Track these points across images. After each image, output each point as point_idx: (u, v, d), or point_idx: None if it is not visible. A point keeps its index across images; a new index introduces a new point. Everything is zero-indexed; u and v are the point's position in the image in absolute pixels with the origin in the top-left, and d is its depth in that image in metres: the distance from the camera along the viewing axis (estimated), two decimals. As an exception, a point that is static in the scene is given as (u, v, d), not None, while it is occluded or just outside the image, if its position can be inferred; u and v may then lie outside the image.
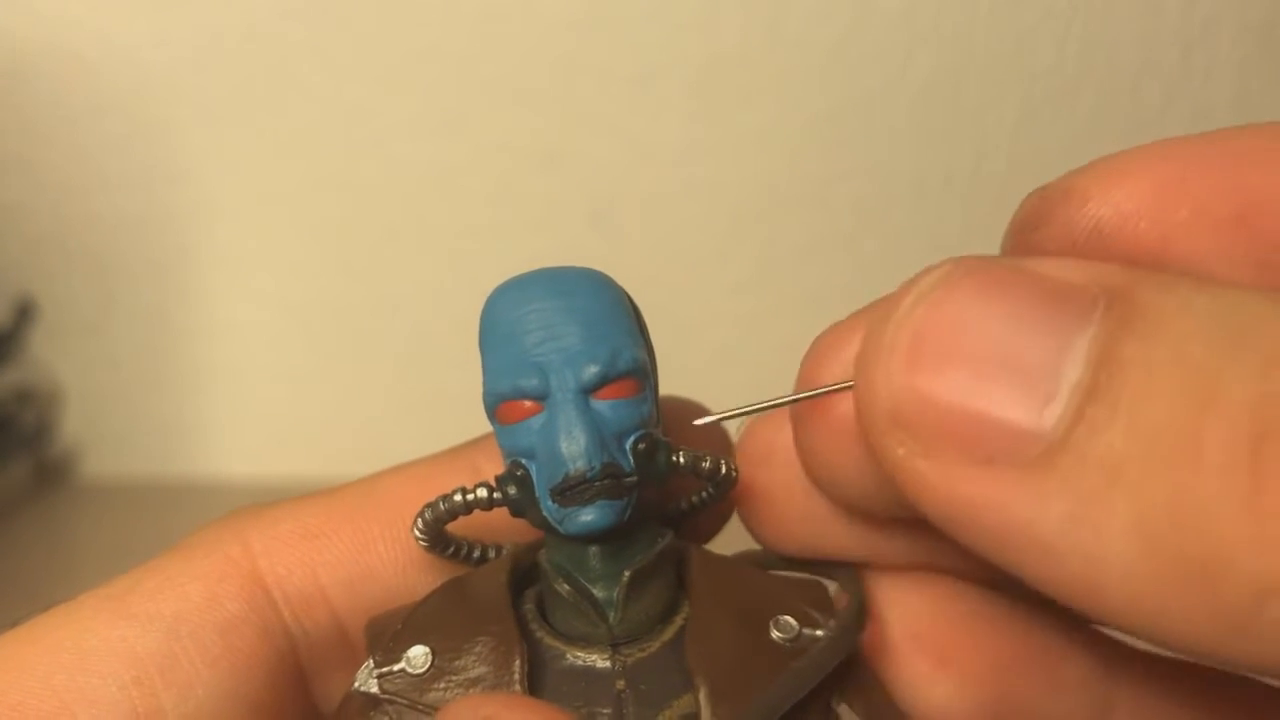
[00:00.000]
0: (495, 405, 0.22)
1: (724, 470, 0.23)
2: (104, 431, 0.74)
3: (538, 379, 0.21)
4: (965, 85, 0.68)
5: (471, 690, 0.20)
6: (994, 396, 0.16)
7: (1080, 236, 0.18)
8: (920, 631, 0.22)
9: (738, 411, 0.22)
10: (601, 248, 0.70)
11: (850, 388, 0.19)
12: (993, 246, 0.66)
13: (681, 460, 0.22)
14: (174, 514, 0.70)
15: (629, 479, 0.21)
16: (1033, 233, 0.19)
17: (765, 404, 0.22)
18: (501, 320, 0.22)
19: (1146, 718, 0.22)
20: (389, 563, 0.23)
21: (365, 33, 0.68)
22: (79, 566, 0.65)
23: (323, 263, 0.72)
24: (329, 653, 0.23)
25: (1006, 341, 0.16)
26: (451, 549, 0.23)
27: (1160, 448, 0.14)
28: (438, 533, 0.23)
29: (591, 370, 0.21)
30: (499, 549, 0.24)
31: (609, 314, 0.22)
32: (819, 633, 0.21)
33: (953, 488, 0.16)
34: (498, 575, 0.22)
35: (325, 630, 0.23)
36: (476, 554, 0.24)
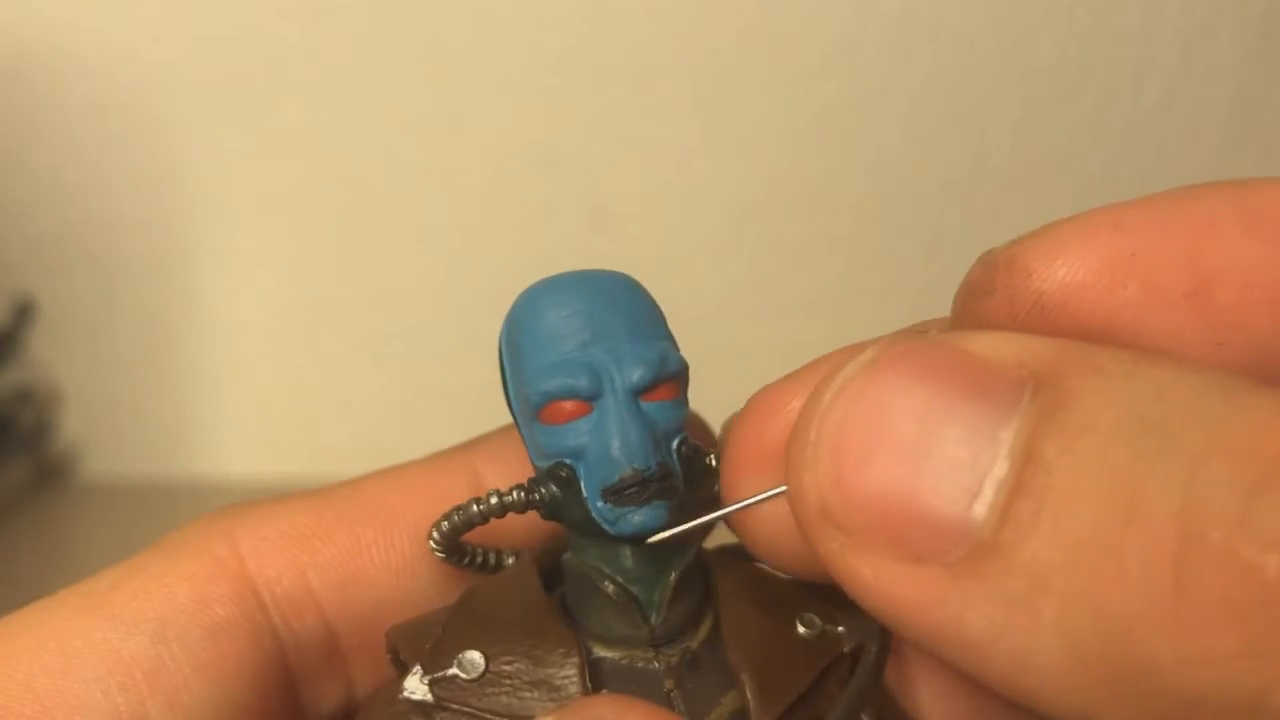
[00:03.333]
0: (541, 405, 0.21)
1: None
2: (104, 431, 0.74)
3: (588, 379, 0.21)
4: (966, 84, 0.69)
5: (535, 694, 0.20)
6: (919, 494, 0.16)
7: (1023, 310, 0.17)
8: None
9: (679, 530, 0.22)
10: (601, 246, 0.70)
11: (784, 493, 0.19)
12: (991, 245, 0.66)
13: (714, 463, 0.22)
14: (174, 514, 0.69)
15: (678, 481, 0.21)
16: (978, 300, 0.18)
17: (703, 520, 0.22)
18: (543, 321, 0.22)
19: None
20: (382, 567, 0.22)
21: (364, 33, 0.68)
22: (79, 566, 0.65)
23: (322, 262, 0.72)
24: (318, 658, 0.22)
25: (930, 434, 0.16)
26: (467, 558, 0.23)
27: (1084, 558, 0.14)
28: (454, 542, 0.23)
29: (643, 372, 0.21)
30: (513, 555, 0.24)
31: (651, 316, 0.22)
32: (840, 629, 0.21)
33: (884, 585, 0.16)
34: (529, 580, 0.22)
35: (315, 635, 0.22)
36: (492, 561, 0.24)
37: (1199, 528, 0.13)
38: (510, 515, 0.22)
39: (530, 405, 0.22)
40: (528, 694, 0.20)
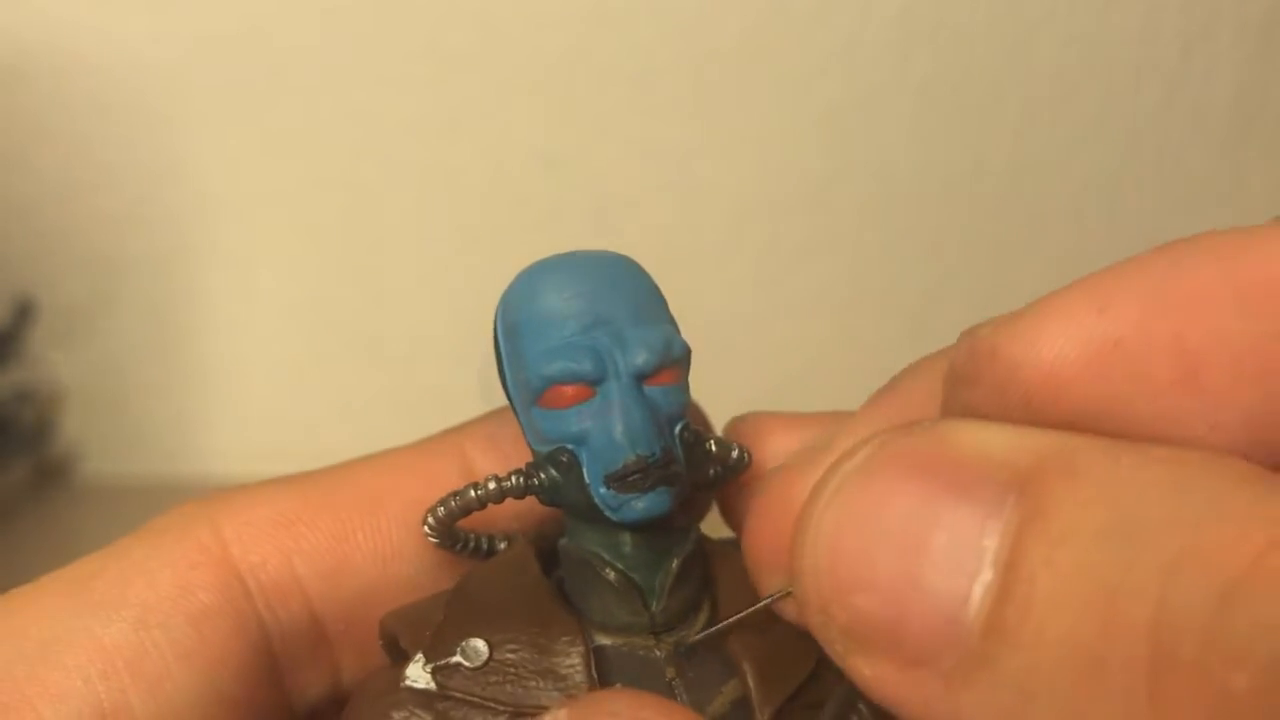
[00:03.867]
0: (542, 389, 0.21)
1: (744, 458, 0.23)
2: (104, 431, 0.75)
3: (591, 363, 0.21)
4: (966, 84, 0.69)
5: (540, 682, 0.20)
6: (912, 601, 0.16)
7: (1012, 401, 0.17)
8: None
9: (715, 629, 0.22)
10: (602, 246, 0.70)
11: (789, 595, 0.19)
12: (992, 245, 0.66)
13: (714, 449, 0.22)
14: (174, 514, 0.71)
15: (681, 466, 0.21)
16: (967, 390, 0.18)
17: (727, 622, 0.21)
18: (543, 303, 0.22)
19: None
20: (368, 553, 0.22)
21: (366, 32, 0.69)
22: None
23: (323, 262, 0.72)
24: (303, 646, 0.22)
25: (920, 541, 0.16)
26: (461, 544, 0.23)
27: (1067, 670, 0.14)
28: (449, 528, 0.22)
29: (648, 356, 0.21)
30: (505, 540, 0.24)
31: (653, 299, 0.22)
32: None
33: (884, 686, 0.16)
34: (529, 565, 0.22)
35: (300, 622, 0.22)
36: (485, 546, 0.23)
37: (1171, 641, 0.13)
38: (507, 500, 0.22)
39: (530, 389, 0.21)
40: (533, 683, 0.20)
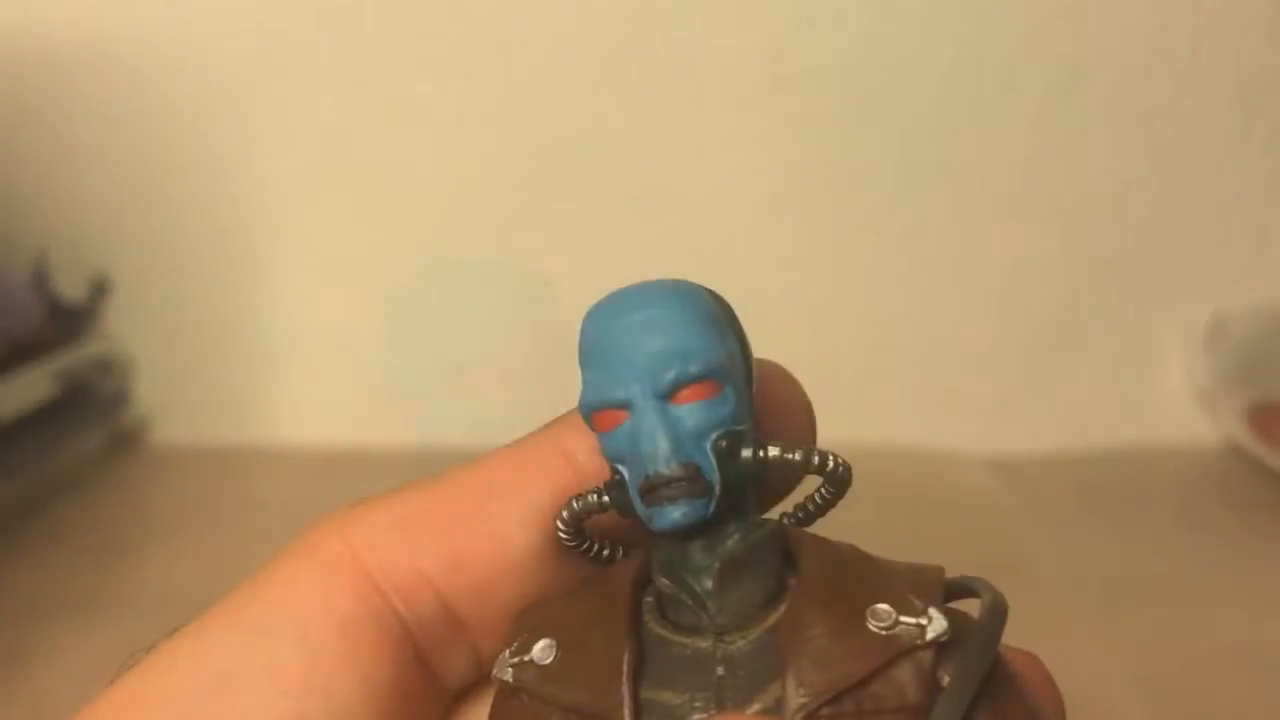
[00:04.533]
0: (589, 415, 0.22)
1: (829, 465, 0.22)
2: (175, 400, 0.76)
3: (622, 389, 0.22)
4: (985, 76, 0.70)
5: (582, 684, 0.21)
6: None
7: None
8: None
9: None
10: (640, 231, 0.72)
11: None
12: (1009, 229, 0.67)
13: (768, 454, 0.22)
14: (241, 478, 0.72)
15: (708, 478, 0.21)
16: None
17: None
18: (593, 336, 0.22)
19: None
20: (483, 545, 0.23)
21: (418, 24, 0.71)
22: (152, 527, 0.67)
23: (381, 240, 0.74)
24: (440, 633, 0.23)
25: None
26: (585, 544, 0.23)
27: None
28: (577, 528, 0.23)
29: (667, 376, 0.21)
30: (629, 550, 0.24)
31: (688, 321, 0.22)
32: (918, 621, 0.20)
33: None
34: (627, 572, 0.22)
35: (433, 613, 0.23)
36: (606, 553, 0.24)
37: None
38: None
39: (584, 418, 0.22)
40: (577, 683, 0.21)
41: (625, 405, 0.22)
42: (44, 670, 0.49)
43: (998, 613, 0.21)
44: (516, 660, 0.22)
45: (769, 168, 0.71)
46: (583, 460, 0.23)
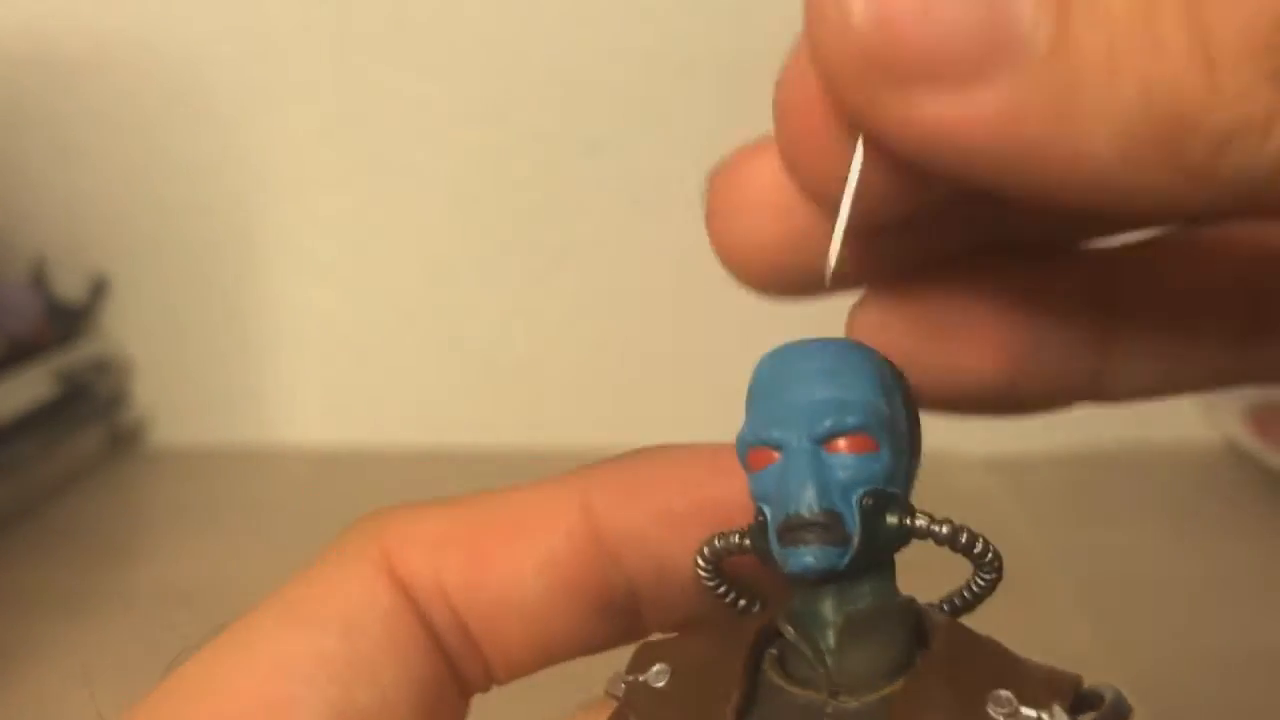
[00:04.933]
0: (744, 453, 0.22)
1: (977, 546, 0.21)
2: (173, 401, 0.76)
3: (779, 430, 0.21)
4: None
5: (691, 714, 0.21)
6: (968, 14, 0.16)
7: None
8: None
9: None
10: (641, 229, 0.72)
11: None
12: None
13: (915, 523, 0.21)
14: (238, 478, 0.72)
15: (848, 529, 0.21)
16: None
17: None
18: (762, 378, 0.23)
19: (1145, 348, 0.23)
20: (498, 578, 0.24)
21: (418, 24, 0.71)
22: (150, 526, 0.68)
23: (378, 241, 0.74)
24: (457, 642, 0.24)
25: None
26: (722, 588, 0.23)
27: (1124, 37, 0.15)
28: (716, 567, 0.23)
29: (824, 423, 0.21)
30: (763, 605, 0.24)
31: (854, 376, 0.22)
32: (1039, 714, 0.20)
33: (944, 116, 0.16)
34: (757, 620, 0.22)
35: (451, 623, 0.24)
36: (742, 603, 0.23)
37: None
38: None
39: (739, 454, 0.22)
40: (688, 714, 0.21)
41: (779, 446, 0.21)
42: (42, 670, 0.49)
43: (1119, 712, 0.21)
44: (631, 679, 0.22)
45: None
46: (603, 516, 0.24)
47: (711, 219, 0.23)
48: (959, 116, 0.16)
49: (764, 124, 0.73)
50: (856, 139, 0.20)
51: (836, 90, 0.18)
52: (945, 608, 0.23)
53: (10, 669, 0.49)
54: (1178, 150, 0.16)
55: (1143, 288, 0.24)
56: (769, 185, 0.23)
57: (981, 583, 0.22)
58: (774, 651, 0.22)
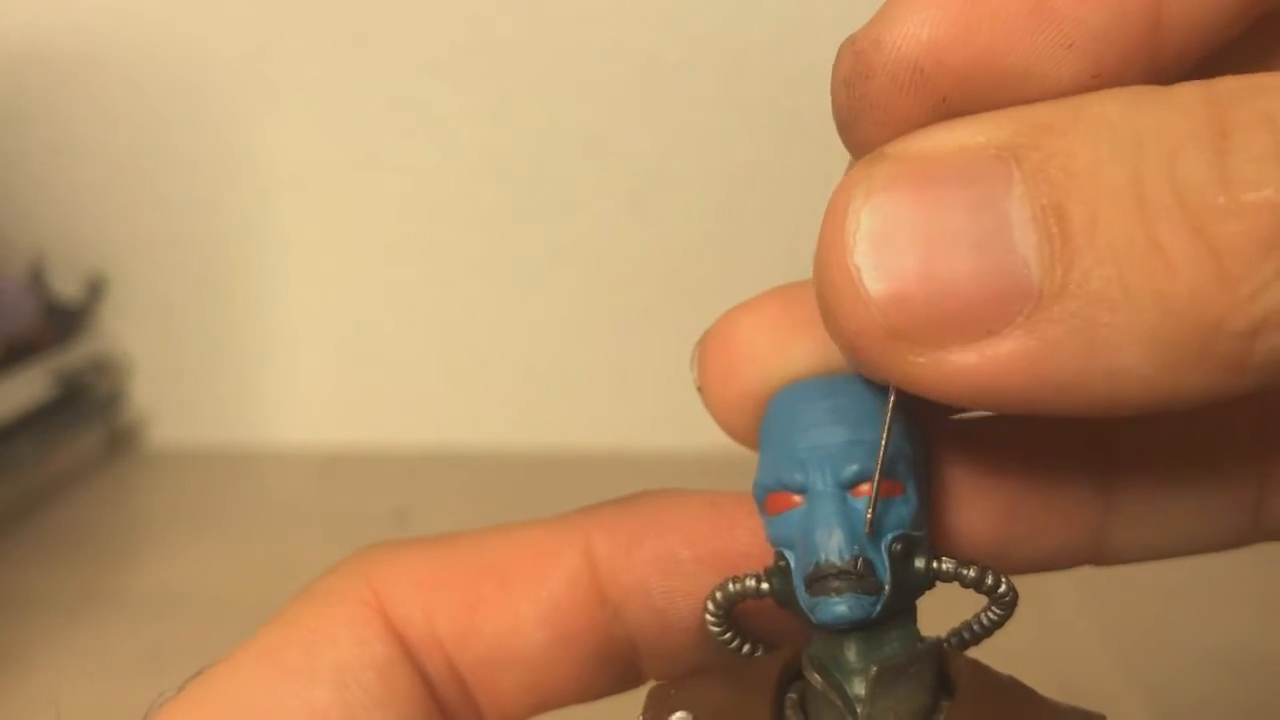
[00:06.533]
0: (763, 497, 0.22)
1: (1001, 588, 0.21)
2: (171, 400, 0.76)
3: (800, 474, 0.21)
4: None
5: None
6: (974, 279, 0.17)
7: (905, 81, 0.18)
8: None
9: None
10: (639, 229, 0.72)
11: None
12: None
13: (943, 567, 0.21)
14: (236, 478, 0.72)
15: (879, 576, 0.20)
16: (862, 86, 0.19)
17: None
18: (776, 419, 0.22)
19: (1144, 508, 0.23)
20: (494, 624, 0.23)
21: (418, 24, 0.71)
22: (147, 527, 0.68)
23: (377, 241, 0.74)
24: (450, 691, 0.23)
25: (952, 234, 0.17)
26: (730, 634, 0.23)
27: (1132, 263, 0.16)
28: (727, 614, 0.22)
29: (851, 468, 0.21)
30: (770, 650, 0.23)
31: (870, 413, 0.21)
32: None
33: (972, 368, 0.17)
34: (774, 664, 0.22)
35: (444, 672, 0.23)
36: (746, 649, 0.23)
37: (1205, 200, 0.16)
38: None
39: (756, 498, 0.22)
40: None
41: (802, 490, 0.21)
42: (40, 670, 0.49)
43: None
44: None
45: (768, 164, 0.71)
46: (605, 564, 0.23)
47: (704, 378, 0.23)
48: (985, 367, 0.17)
49: (764, 124, 0.73)
50: (888, 394, 0.20)
51: (859, 355, 0.18)
52: (955, 641, 0.23)
53: (9, 669, 0.49)
54: (1209, 351, 0.16)
55: (1145, 442, 0.23)
56: (762, 341, 0.22)
57: (994, 616, 0.22)
58: (793, 696, 0.22)
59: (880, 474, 0.21)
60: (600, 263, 0.72)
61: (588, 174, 0.72)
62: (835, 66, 0.19)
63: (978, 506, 0.23)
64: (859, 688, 0.21)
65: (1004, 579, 0.22)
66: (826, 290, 0.18)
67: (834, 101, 0.20)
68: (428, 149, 0.72)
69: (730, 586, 0.22)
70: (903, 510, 0.21)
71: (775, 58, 0.70)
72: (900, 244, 0.17)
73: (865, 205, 0.18)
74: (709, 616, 0.22)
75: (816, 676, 0.21)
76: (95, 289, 0.73)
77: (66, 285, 0.73)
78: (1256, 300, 0.16)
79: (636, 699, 0.22)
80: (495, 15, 0.71)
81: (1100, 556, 0.24)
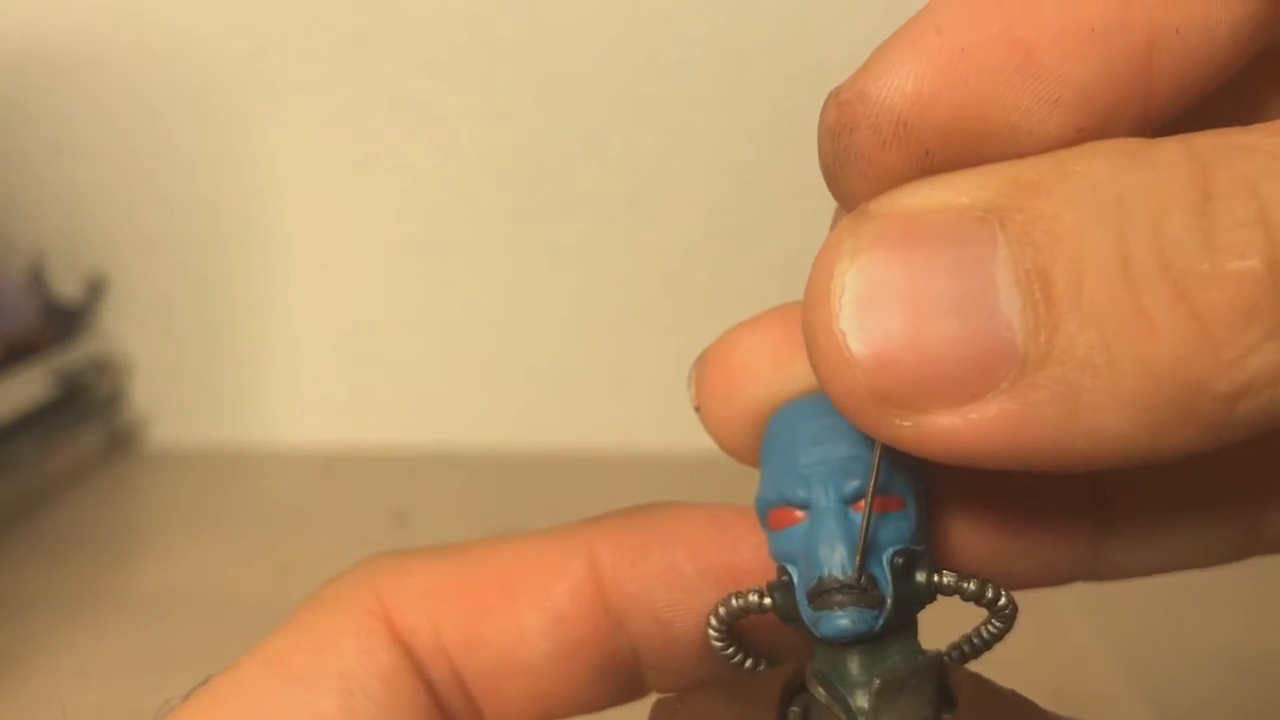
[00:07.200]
0: (765, 512, 0.22)
1: (1001, 600, 0.22)
2: (172, 400, 0.77)
3: (803, 489, 0.21)
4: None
5: None
6: (959, 344, 0.17)
7: (889, 134, 0.18)
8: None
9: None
10: (640, 228, 0.72)
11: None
12: None
13: (944, 581, 0.22)
14: (236, 478, 0.72)
15: (882, 590, 0.21)
16: (846, 139, 0.19)
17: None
18: (778, 435, 0.22)
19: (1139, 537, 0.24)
20: (499, 634, 0.23)
21: (418, 24, 0.71)
22: (147, 527, 0.68)
23: (377, 240, 0.74)
24: (456, 700, 0.23)
25: (936, 296, 0.17)
26: (732, 649, 0.23)
27: (1115, 328, 0.16)
28: (729, 628, 0.23)
29: (853, 483, 0.21)
30: (771, 665, 0.24)
31: None
32: None
33: (957, 431, 0.17)
34: (778, 678, 0.22)
35: (450, 681, 0.23)
36: (749, 663, 0.23)
37: (1189, 266, 0.16)
38: None
39: (759, 513, 0.22)
40: None
41: (804, 505, 0.21)
42: (40, 670, 0.49)
43: None
44: None
45: (768, 164, 0.71)
46: (609, 575, 0.23)
47: (703, 397, 0.23)
48: (967, 430, 0.17)
49: (764, 124, 0.74)
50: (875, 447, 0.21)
51: (845, 413, 0.19)
52: (955, 655, 0.23)
53: (8, 669, 0.49)
54: (1192, 413, 0.16)
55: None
56: (763, 361, 0.23)
57: (994, 629, 0.22)
58: (796, 710, 0.22)
59: (872, 498, 0.21)
60: (600, 263, 0.72)
61: (588, 174, 0.72)
62: (821, 117, 0.20)
63: (975, 523, 0.23)
64: (862, 701, 0.21)
65: (1004, 592, 0.22)
66: (814, 351, 0.18)
67: (820, 151, 0.20)
68: (428, 149, 0.72)
69: (733, 602, 0.22)
70: (903, 525, 0.21)
71: (775, 58, 0.70)
72: (886, 307, 0.17)
73: (851, 268, 0.18)
74: (712, 632, 0.22)
75: (820, 690, 0.21)
76: (95, 289, 0.73)
77: (66, 285, 0.73)
78: (1240, 366, 0.16)
79: (640, 711, 0.22)
80: (495, 15, 0.71)
81: (1098, 572, 0.24)
